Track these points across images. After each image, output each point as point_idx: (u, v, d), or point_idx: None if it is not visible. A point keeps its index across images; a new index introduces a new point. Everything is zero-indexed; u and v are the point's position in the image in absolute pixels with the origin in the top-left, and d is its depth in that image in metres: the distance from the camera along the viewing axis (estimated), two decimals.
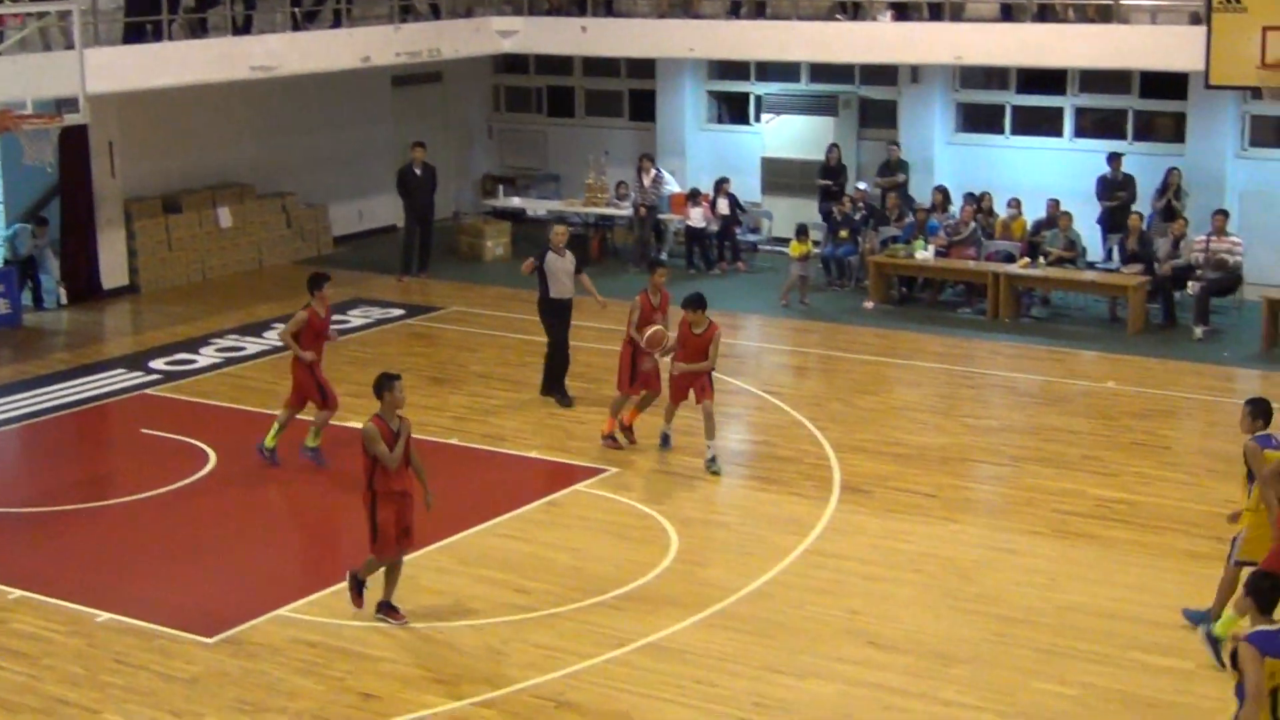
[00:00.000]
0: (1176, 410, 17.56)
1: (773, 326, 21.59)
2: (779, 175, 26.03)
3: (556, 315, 17.52)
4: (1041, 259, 22.09)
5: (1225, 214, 21.59)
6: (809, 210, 24.96)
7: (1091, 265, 22.55)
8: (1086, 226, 22.84)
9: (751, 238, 25.59)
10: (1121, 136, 24.17)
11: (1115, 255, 22.40)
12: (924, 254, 22.42)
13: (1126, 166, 23.17)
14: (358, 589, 11.85)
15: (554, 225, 18.90)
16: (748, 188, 25.95)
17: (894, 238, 23.23)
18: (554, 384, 17.62)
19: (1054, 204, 22.82)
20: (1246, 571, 9.58)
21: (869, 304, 22.37)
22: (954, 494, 14.68)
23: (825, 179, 24.97)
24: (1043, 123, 24.98)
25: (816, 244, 23.82)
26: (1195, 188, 22.99)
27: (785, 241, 23.88)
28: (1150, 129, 24.23)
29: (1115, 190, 23.12)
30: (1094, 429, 16.60)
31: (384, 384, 11.64)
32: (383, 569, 11.76)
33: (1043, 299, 22.55)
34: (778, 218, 25.68)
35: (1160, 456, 15.72)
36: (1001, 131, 25.19)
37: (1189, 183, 22.95)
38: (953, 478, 15.07)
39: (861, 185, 24.67)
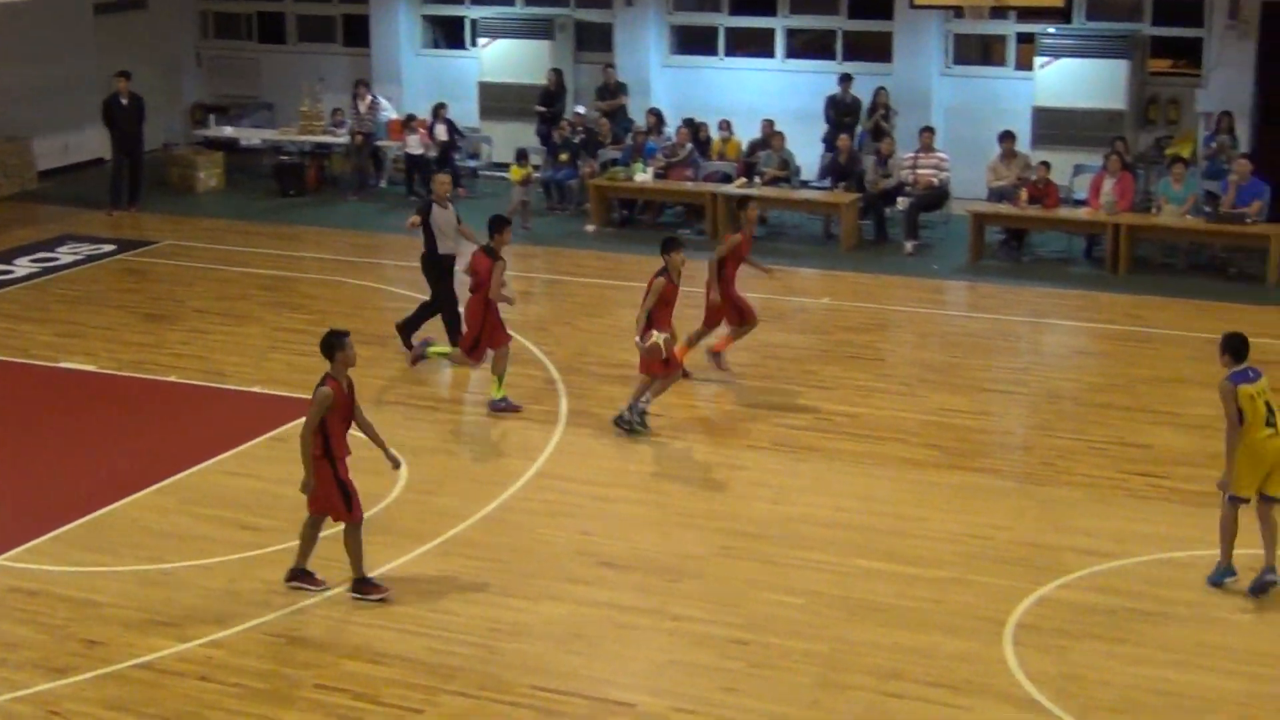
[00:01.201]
0: (890, 323, 18.07)
1: None
2: (497, 100, 25.82)
3: (444, 272, 16.31)
4: (757, 179, 22.44)
5: (931, 131, 22.22)
6: (528, 135, 24.84)
7: (805, 184, 23.00)
8: (807, 146, 23.26)
9: (471, 163, 25.35)
10: (833, 57, 24.65)
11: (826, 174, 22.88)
12: (643, 176, 22.55)
13: (834, 88, 23.61)
14: (371, 587, 10.91)
15: (437, 175, 17.17)
16: (466, 113, 25.66)
17: (613, 160, 23.30)
18: (412, 329, 16.43)
19: (768, 124, 23.15)
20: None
21: (590, 227, 22.42)
22: (681, 413, 14.86)
23: (543, 103, 24.87)
24: (755, 44, 25.30)
25: (536, 168, 23.74)
26: (903, 106, 23.61)
27: (505, 167, 23.75)
28: (860, 49, 24.75)
29: (844, 111, 23.56)
30: (812, 344, 16.99)
31: (335, 342, 10.71)
32: (300, 538, 11.09)
33: (759, 218, 22.92)
34: (497, 142, 25.50)
35: (876, 369, 16.16)
36: (715, 53, 25.43)
37: (897, 101, 23.55)
38: (679, 397, 15.25)
39: (580, 109, 24.66)
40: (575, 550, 11.57)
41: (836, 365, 16.23)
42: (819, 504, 12.61)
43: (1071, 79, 23.17)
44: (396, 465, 11.11)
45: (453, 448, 14.03)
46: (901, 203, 21.67)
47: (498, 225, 14.78)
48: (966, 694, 9.34)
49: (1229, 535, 10.99)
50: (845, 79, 23.63)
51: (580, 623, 10.48)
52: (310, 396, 10.58)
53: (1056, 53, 23.17)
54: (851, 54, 24.67)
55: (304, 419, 10.65)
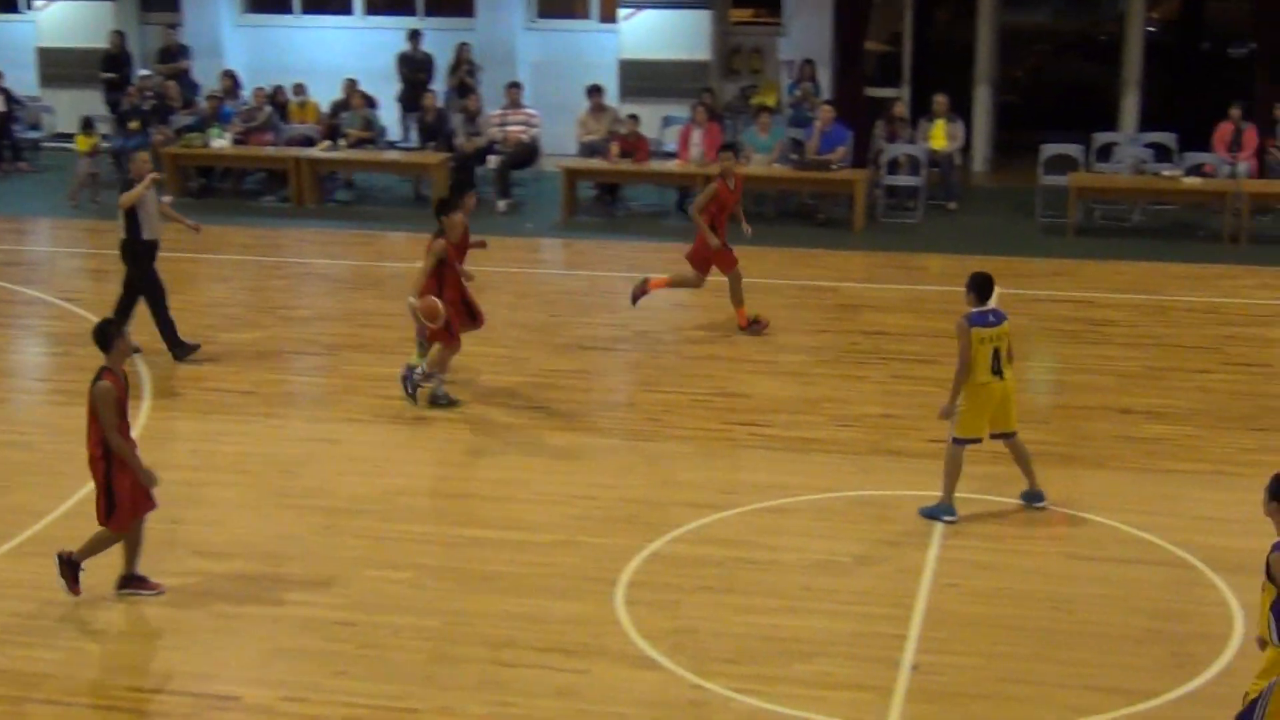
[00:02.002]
0: (486, 285, 18.05)
1: (65, 229, 20.48)
2: (58, 66, 24.65)
3: (149, 259, 15.05)
4: (341, 141, 22.08)
5: (518, 87, 22.31)
6: (95, 102, 23.77)
7: (392, 145, 22.77)
8: (392, 106, 23.01)
9: (32, 134, 24.11)
10: (413, 12, 24.44)
11: (414, 134, 22.70)
12: (220, 142, 21.88)
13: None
14: (74, 573, 10.22)
15: (136, 153, 15.56)
16: (23, 81, 24.38)
17: (187, 127, 22.53)
18: (173, 332, 15.17)
19: (349, 84, 22.81)
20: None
21: (167, 198, 21.61)
22: (272, 389, 14.50)
23: (108, 68, 23.82)
24: (333, 1, 24.86)
25: (105, 138, 22.74)
26: (487, 62, 23.62)
27: (70, 137, 22.66)
28: (441, 4, 24.63)
29: (416, 68, 23.38)
30: (408, 311, 16.80)
31: (112, 331, 9.94)
32: (119, 544, 10.27)
33: (346, 182, 22.58)
34: (60, 111, 24.33)
35: (474, 333, 16.11)
36: (290, 10, 24.87)
37: (481, 56, 23.53)
38: (270, 372, 14.87)
39: (144, 72, 23.73)
40: (164, 541, 11.12)
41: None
42: (421, 474, 12.50)
43: (655, 30, 23.65)
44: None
45: (26, 439, 13.30)
46: (492, 161, 21.69)
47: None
48: (581, 656, 9.42)
49: (953, 474, 11.43)
50: (415, 35, 23.48)
51: (176, 617, 10.08)
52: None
53: (640, 4, 23.59)
54: (432, 9, 24.55)
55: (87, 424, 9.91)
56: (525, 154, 22.11)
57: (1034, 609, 10.02)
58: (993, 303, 11.60)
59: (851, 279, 18.63)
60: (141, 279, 15.04)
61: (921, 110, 22.74)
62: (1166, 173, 20.99)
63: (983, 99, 24.83)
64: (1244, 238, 20.17)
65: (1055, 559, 10.85)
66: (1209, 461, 12.66)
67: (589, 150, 22.03)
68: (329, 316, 16.57)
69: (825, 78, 23.51)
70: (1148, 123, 23.86)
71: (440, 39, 23.53)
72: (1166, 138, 22.48)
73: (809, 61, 23.25)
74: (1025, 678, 9.17)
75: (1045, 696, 8.99)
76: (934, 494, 11.59)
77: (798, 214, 22.11)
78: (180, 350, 15.12)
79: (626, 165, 21.32)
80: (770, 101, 23.13)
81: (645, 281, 16.33)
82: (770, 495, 11.92)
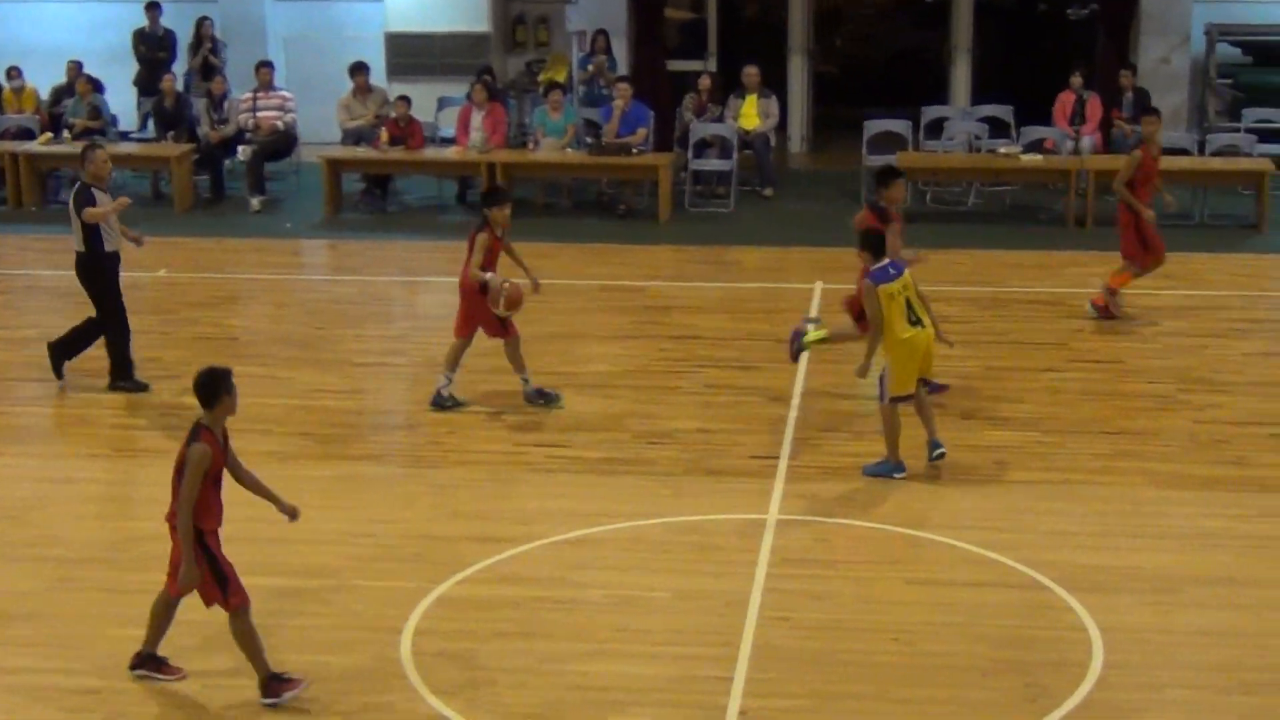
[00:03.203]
0: (241, 295, 17.86)
1: None
2: None
3: (113, 275, 14.58)
4: (65, 133, 21.65)
5: (270, 67, 22.08)
6: None
7: (125, 136, 22.38)
8: (124, 91, 22.62)
9: None
10: None
11: (151, 123, 22.34)
12: None
13: (143, 20, 23.07)
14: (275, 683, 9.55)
15: (93, 151, 14.69)
16: None
17: None
18: (127, 367, 14.86)
19: (74, 67, 22.38)
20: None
21: None
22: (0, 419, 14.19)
23: None
24: None
25: None
26: (232, 38, 23.34)
27: None
28: None
29: (156, 47, 23.00)
30: (152, 325, 16.53)
31: (223, 384, 9.41)
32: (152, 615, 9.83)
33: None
34: None
35: (230, 350, 15.91)
36: None
37: (225, 33, 23.24)
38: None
39: None
40: None
41: (182, 349, 15.87)
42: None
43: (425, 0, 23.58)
44: (293, 516, 9.99)
45: None
46: (243, 152, 21.44)
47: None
48: (363, 717, 9.35)
49: (894, 433, 12.57)
50: (153, 7, 23.12)
51: None
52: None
53: None
54: None
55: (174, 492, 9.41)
56: (280, 143, 21.88)
57: (872, 642, 10.18)
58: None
59: (658, 276, 18.78)
60: (102, 298, 14.73)
61: (731, 86, 23.01)
62: (1003, 150, 21.53)
63: (798, 71, 25.24)
64: (1090, 220, 20.77)
65: (893, 585, 11.04)
66: (1059, 470, 13.00)
67: (354, 138, 21.88)
68: (56, 334, 16.21)
69: (621, 50, 23.67)
70: (981, 94, 24.49)
71: (179, 13, 23.19)
72: (1002, 111, 23.07)
73: (602, 32, 23.40)
74: (863, 719, 9.31)
75: None
76: (760, 516, 11.73)
77: (596, 205, 22.22)
78: (136, 384, 14.90)
79: (398, 154, 21.22)
80: (560, 78, 23.22)
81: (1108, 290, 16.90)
82: (573, 525, 11.95)
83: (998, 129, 22.71)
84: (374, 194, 21.95)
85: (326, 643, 10.24)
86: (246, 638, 9.56)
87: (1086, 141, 21.90)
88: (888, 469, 12.68)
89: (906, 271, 12.56)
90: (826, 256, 18.91)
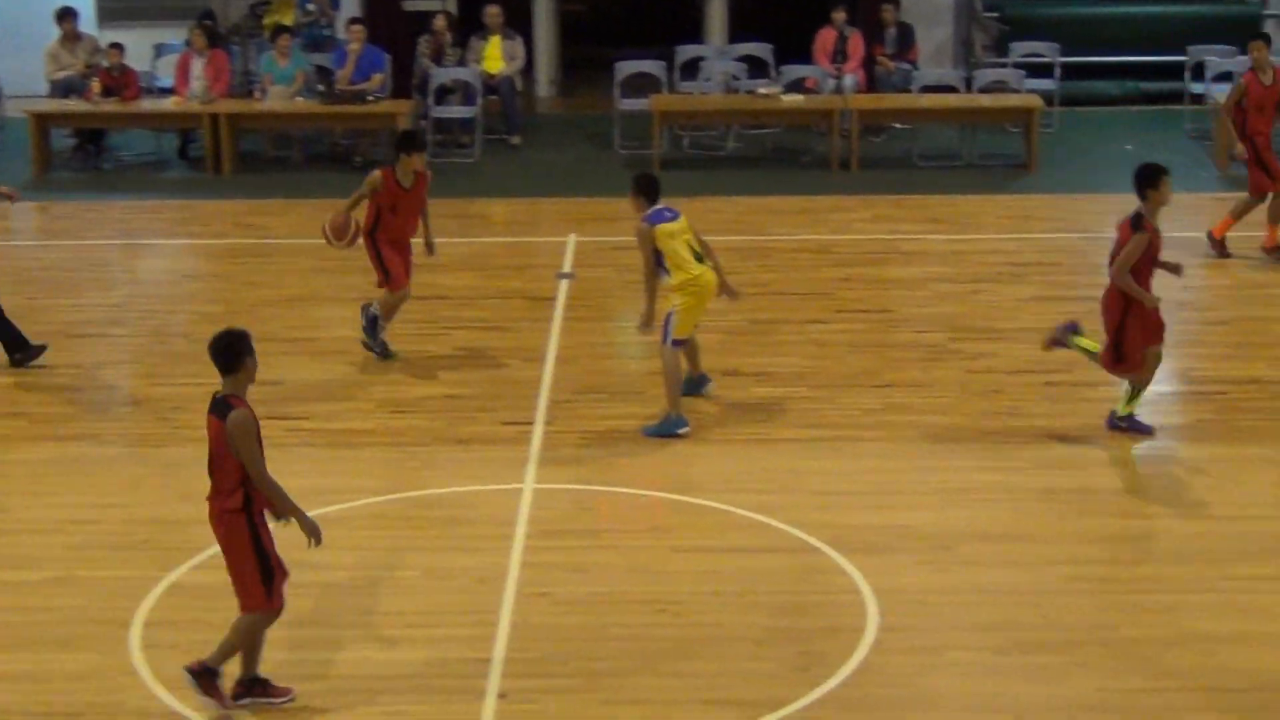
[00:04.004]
0: None
1: None
2: None
3: None
4: None
5: None
6: None
7: None
8: None
9: None
10: None
11: None
12: None
13: None
14: (212, 681, 9.23)
15: None
16: None
17: None
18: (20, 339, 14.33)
19: None
20: None
21: None
22: None
23: None
24: None
25: None
26: None
27: None
28: None
29: None
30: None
31: (244, 346, 9.09)
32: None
33: None
34: None
35: None
36: None
37: None
38: None
39: None
40: None
41: None
42: None
43: None
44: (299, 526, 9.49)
45: None
46: None
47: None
48: (90, 719, 9.21)
49: (675, 382, 12.84)
50: None
51: None
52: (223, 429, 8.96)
53: None
54: None
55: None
56: None
57: (637, 615, 10.28)
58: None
59: (485, 234, 18.66)
60: None
61: (472, 26, 22.92)
62: (763, 90, 21.75)
63: (544, 10, 25.23)
64: (855, 163, 21.11)
65: (658, 554, 11.16)
66: (827, 427, 13.23)
67: (63, 89, 21.38)
68: None
69: None
70: (738, 32, 24.68)
71: None
72: (761, 49, 23.31)
73: None
74: (632, 696, 9.40)
75: (656, 718, 9.24)
76: (515, 486, 11.78)
77: (330, 157, 22.01)
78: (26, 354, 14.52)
79: (112, 106, 20.79)
80: (288, 21, 22.91)
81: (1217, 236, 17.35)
82: (315, 503, 11.78)
83: (757, 69, 22.95)
84: (87, 150, 21.51)
85: (48, 640, 10.05)
86: (249, 636, 9.28)
87: (849, 80, 22.23)
88: (670, 425, 12.81)
89: (684, 218, 12.87)
90: (579, 207, 18.98)
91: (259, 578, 9.14)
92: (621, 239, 17.87)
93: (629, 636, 10.01)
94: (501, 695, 9.37)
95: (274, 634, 9.92)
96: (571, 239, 17.81)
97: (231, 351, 9.11)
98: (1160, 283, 12.85)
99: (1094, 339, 12.93)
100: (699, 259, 12.84)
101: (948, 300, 16.24)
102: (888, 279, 17.05)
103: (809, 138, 22.44)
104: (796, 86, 22.01)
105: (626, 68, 22.42)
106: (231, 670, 9.28)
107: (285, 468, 12.45)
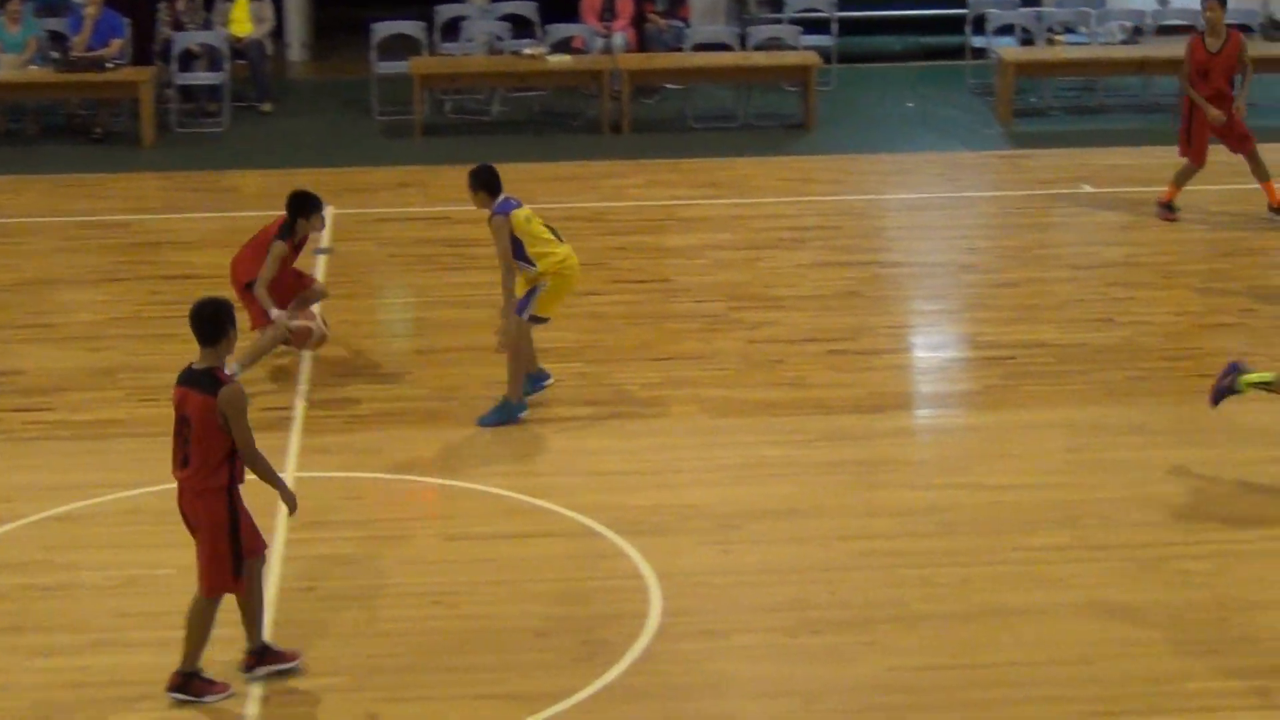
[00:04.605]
0: None
1: None
2: None
3: None
4: None
5: None
6: None
7: None
8: None
9: None
10: None
11: None
12: None
13: None
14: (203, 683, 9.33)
15: None
16: None
17: None
18: None
19: None
20: None
21: None
22: None
23: None
24: None
25: None
26: None
27: None
28: None
29: None
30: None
31: (228, 314, 9.10)
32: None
33: None
34: None
35: None
36: None
37: None
38: None
39: None
40: None
41: None
42: None
43: None
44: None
45: None
46: None
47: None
48: None
49: (520, 361, 12.73)
50: None
51: None
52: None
53: None
54: None
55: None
56: None
57: (410, 608, 10.26)
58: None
59: (145, 209, 18.40)
60: None
61: None
62: (528, 51, 21.73)
63: None
64: (627, 125, 21.19)
65: (430, 543, 11.15)
66: (604, 404, 13.29)
67: None
68: None
69: None
70: None
71: None
72: (525, 8, 23.28)
73: None
74: (406, 694, 9.38)
75: (432, 715, 9.24)
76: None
77: (68, 129, 21.60)
78: None
79: None
80: None
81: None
82: (61, 499, 11.67)
83: (521, 28, 22.91)
84: None
85: None
86: (204, 624, 9.30)
87: (618, 39, 22.28)
88: (510, 412, 12.73)
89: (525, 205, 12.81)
90: (336, 178, 18.82)
91: (231, 559, 9.21)
92: (381, 210, 17.83)
93: (402, 631, 9.99)
94: (265, 700, 9.31)
95: (18, 640, 9.79)
96: (328, 211, 17.65)
97: (214, 322, 9.09)
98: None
99: (1263, 370, 12.44)
100: (559, 239, 12.79)
101: (727, 268, 16.38)
102: (665, 247, 17.16)
103: (578, 100, 22.47)
104: (563, 46, 22.03)
105: (383, 29, 22.26)
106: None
107: (28, 461, 12.38)
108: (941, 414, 13.40)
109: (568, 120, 22.03)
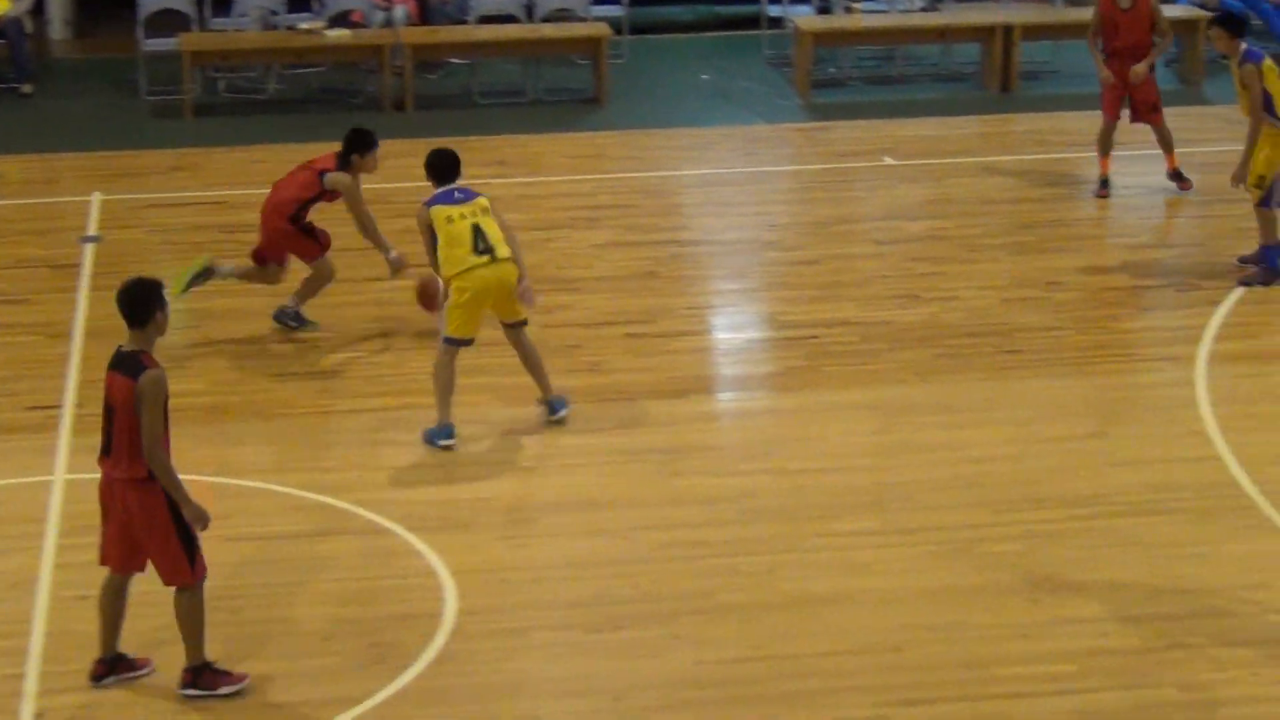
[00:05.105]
0: None
1: None
2: None
3: None
4: None
5: None
6: None
7: None
8: None
9: None
10: None
11: None
12: None
13: None
14: (215, 674, 9.32)
15: None
16: None
17: None
18: None
19: None
20: None
21: None
22: None
23: None
24: None
25: None
26: None
27: None
28: None
29: None
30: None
31: (156, 295, 9.06)
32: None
33: None
34: None
35: None
36: None
37: None
38: None
39: None
40: None
41: None
42: None
43: None
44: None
45: None
46: None
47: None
48: None
49: (446, 384, 12.25)
50: None
51: None
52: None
53: None
54: None
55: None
56: None
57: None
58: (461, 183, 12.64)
59: None
60: None
61: None
62: (305, 26, 21.50)
63: None
64: (410, 102, 21.04)
65: (210, 544, 10.83)
66: (392, 395, 13.21)
67: None
68: None
69: None
70: None
71: None
72: None
73: None
74: (185, 706, 9.27)
75: None
76: (44, 478, 11.50)
77: None
78: None
79: None
80: None
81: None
82: None
83: (297, 2, 22.67)
84: None
85: None
86: (196, 614, 9.29)
87: (399, 12, 22.13)
88: (436, 435, 12.29)
89: (483, 198, 12.51)
90: (103, 162, 18.54)
91: (183, 550, 9.18)
92: (153, 195, 17.56)
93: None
94: (39, 716, 9.15)
95: None
96: (95, 198, 17.38)
97: (141, 303, 9.10)
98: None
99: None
100: (483, 251, 12.24)
101: (520, 249, 16.29)
102: None
103: (358, 76, 22.28)
104: (342, 20, 21.83)
105: (150, 3, 21.89)
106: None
107: None
108: (744, 397, 13.47)
109: (348, 98, 21.83)
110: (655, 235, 16.66)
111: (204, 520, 9.23)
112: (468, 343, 12.44)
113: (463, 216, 12.31)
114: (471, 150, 19.15)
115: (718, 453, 12.49)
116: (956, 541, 10.99)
